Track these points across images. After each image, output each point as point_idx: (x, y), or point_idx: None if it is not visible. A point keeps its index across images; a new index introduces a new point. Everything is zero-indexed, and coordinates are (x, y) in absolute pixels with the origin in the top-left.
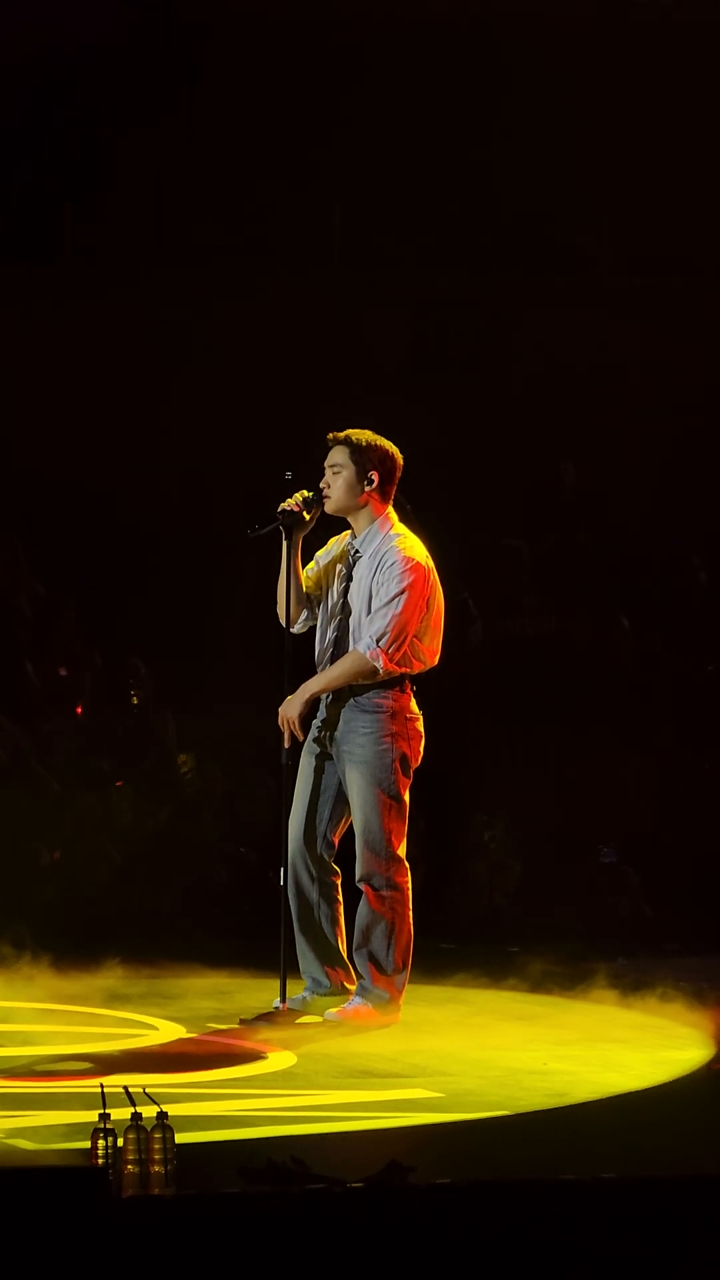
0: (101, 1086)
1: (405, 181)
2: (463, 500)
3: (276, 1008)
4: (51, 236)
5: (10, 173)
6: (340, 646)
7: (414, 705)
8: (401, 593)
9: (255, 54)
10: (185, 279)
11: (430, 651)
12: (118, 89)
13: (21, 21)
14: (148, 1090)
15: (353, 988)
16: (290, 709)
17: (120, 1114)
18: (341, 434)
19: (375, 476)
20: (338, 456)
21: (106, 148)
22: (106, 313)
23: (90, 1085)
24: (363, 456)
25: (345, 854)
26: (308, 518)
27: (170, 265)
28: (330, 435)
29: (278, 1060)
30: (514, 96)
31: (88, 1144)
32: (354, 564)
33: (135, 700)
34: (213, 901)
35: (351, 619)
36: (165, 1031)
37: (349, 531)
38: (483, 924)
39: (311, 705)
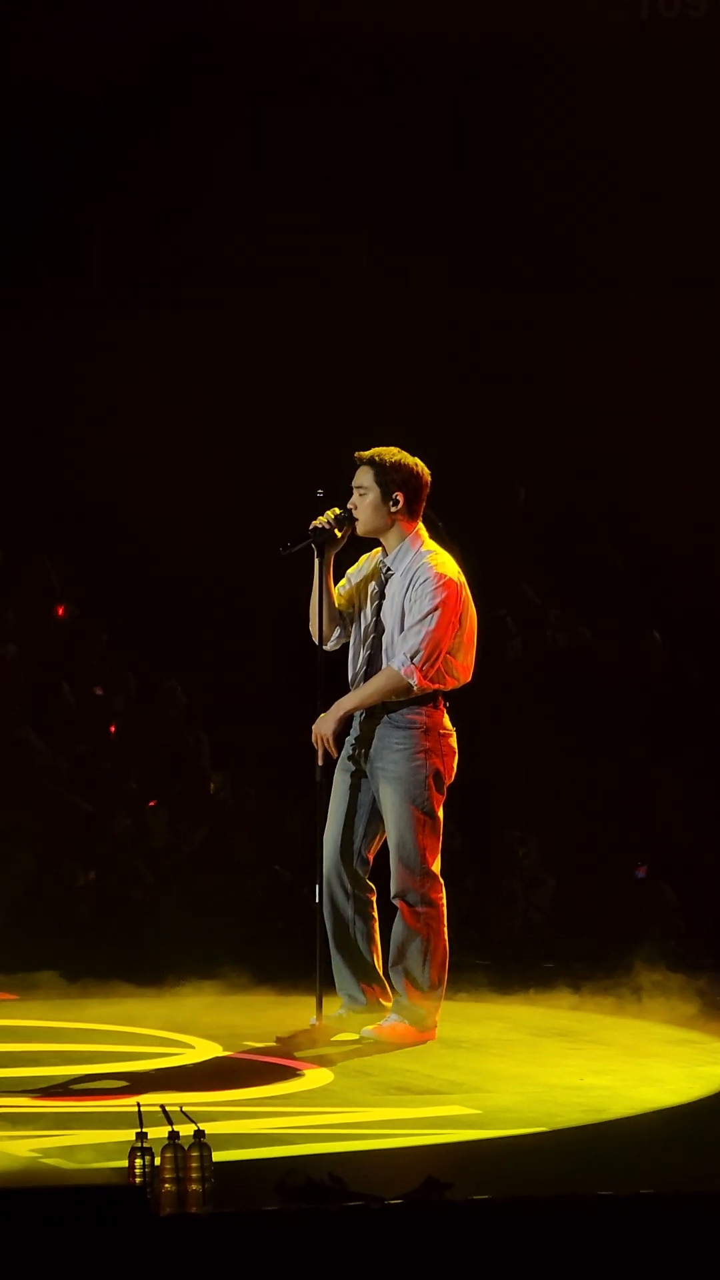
0: (138, 1105)
1: (433, 201)
2: (494, 516)
3: (313, 1025)
4: (82, 257)
5: (42, 195)
6: (374, 664)
7: (447, 721)
8: (434, 610)
9: (283, 75)
10: (215, 300)
11: (464, 668)
12: (145, 112)
13: (50, 44)
14: (184, 1109)
15: (389, 1004)
16: (324, 726)
17: (157, 1133)
18: (367, 454)
19: (400, 497)
20: (363, 478)
21: (136, 170)
22: (136, 333)
23: (127, 1104)
24: (387, 477)
25: (381, 871)
26: (339, 535)
27: (200, 286)
28: (356, 455)
29: (314, 1078)
30: (542, 115)
31: (125, 1163)
32: (386, 582)
33: (169, 720)
34: (248, 920)
35: (385, 636)
36: (201, 1050)
37: (380, 549)
38: (518, 940)
39: (345, 722)
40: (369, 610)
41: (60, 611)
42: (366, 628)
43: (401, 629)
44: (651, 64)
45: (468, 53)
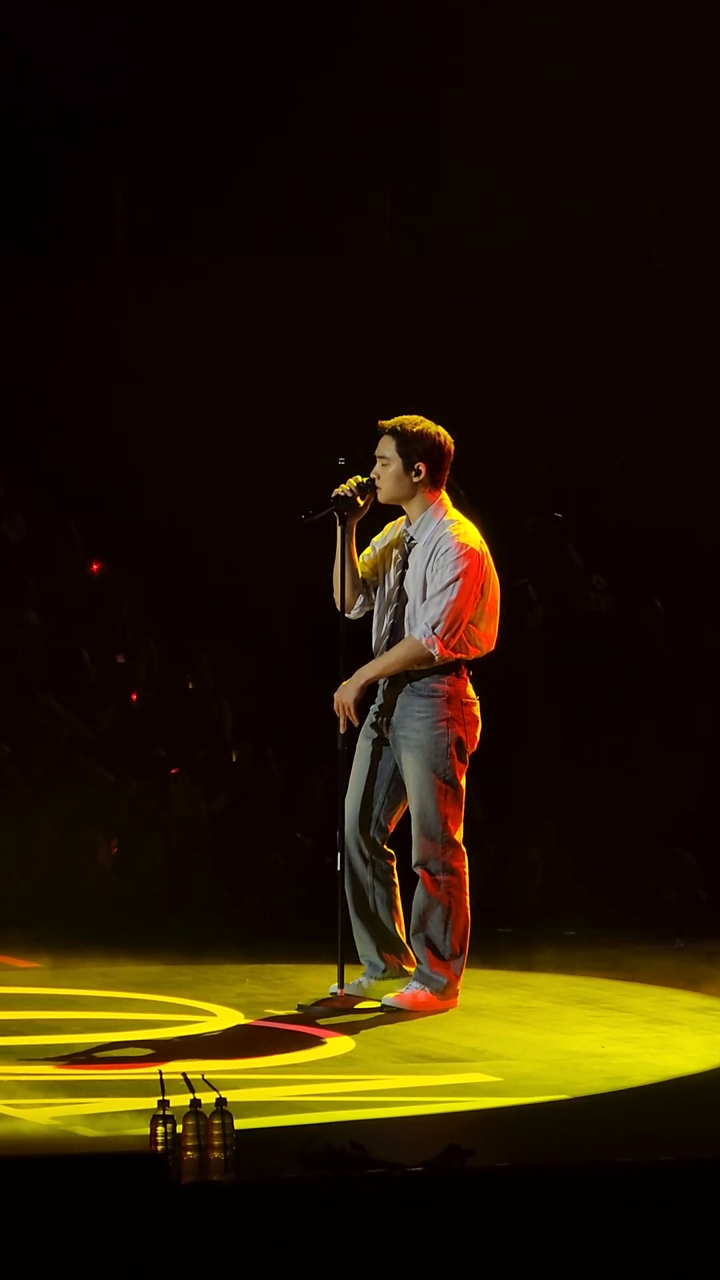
0: (160, 1073)
1: (455, 165)
2: (512, 483)
3: (334, 993)
4: (104, 225)
5: (63, 161)
6: (397, 633)
7: (470, 690)
8: (455, 579)
9: (302, 38)
10: (237, 268)
11: (486, 637)
12: (163, 72)
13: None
14: (206, 1076)
15: (410, 972)
16: (345, 694)
17: (179, 1100)
18: (390, 423)
19: (423, 467)
20: (386, 448)
21: (157, 137)
22: (159, 301)
23: (149, 1072)
24: (409, 448)
25: (403, 839)
26: (361, 503)
27: (222, 254)
28: (379, 424)
29: (336, 1045)
30: (563, 78)
31: (147, 1130)
32: (409, 551)
33: (191, 687)
34: (269, 887)
35: (407, 606)
36: (223, 1018)
37: (404, 517)
38: (539, 908)
39: (368, 690)
40: (392, 579)
41: (95, 568)
42: (390, 596)
43: (424, 599)
44: (675, 26)
45: (490, 16)
